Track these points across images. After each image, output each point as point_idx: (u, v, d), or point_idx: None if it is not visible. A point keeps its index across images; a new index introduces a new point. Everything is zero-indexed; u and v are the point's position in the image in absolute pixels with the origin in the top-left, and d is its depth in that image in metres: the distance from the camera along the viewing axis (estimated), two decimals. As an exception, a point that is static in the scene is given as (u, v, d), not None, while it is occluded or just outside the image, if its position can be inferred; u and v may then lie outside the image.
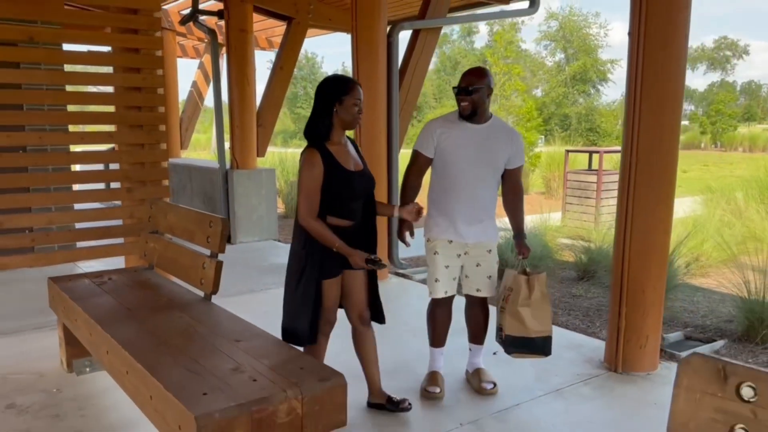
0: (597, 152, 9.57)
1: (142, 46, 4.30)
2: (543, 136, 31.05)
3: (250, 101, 7.53)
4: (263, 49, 10.93)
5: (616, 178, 9.09)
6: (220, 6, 7.52)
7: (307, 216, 2.67)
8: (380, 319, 3.03)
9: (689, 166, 21.57)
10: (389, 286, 5.40)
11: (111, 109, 4.35)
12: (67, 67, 4.87)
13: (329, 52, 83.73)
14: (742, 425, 1.20)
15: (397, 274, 5.84)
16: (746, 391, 1.20)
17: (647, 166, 3.48)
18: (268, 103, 7.94)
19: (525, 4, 6.56)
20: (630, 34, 3.51)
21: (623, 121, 3.65)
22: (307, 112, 45.42)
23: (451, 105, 15.88)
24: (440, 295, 3.23)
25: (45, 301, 4.71)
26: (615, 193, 9.02)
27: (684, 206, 9.07)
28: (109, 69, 4.41)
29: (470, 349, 3.45)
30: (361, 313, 2.94)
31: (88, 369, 3.56)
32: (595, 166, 9.83)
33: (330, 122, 2.71)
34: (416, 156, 3.22)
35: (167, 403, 2.08)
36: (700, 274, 6.02)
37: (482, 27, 45.44)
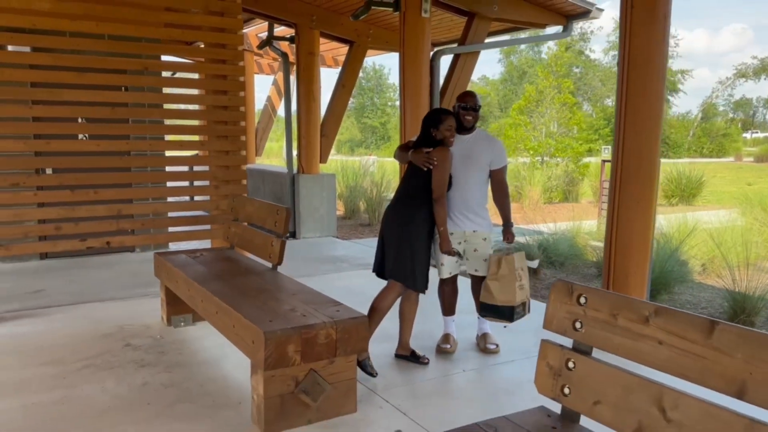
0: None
1: (229, 74, 5.40)
2: (610, 146, 30.97)
3: (316, 114, 8.61)
4: (329, 66, 12.06)
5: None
6: (292, 32, 8.66)
7: (442, 197, 3.72)
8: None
9: (758, 179, 21.19)
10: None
11: (202, 122, 5.47)
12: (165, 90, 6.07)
13: (395, 64, 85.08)
14: (579, 319, 2.01)
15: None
16: (582, 300, 2.01)
17: (630, 170, 4.22)
18: (331, 116, 8.99)
19: (560, 29, 7.29)
20: (618, 63, 4.27)
21: (614, 132, 4.39)
22: (373, 122, 46.92)
23: (515, 114, 16.59)
24: (445, 275, 4.07)
25: (146, 276, 5.91)
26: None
27: (725, 216, 9.43)
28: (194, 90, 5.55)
29: (478, 318, 4.27)
30: None
31: (182, 323, 4.63)
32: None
33: (430, 140, 3.78)
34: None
35: (245, 328, 3.05)
36: (716, 274, 6.54)
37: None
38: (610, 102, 40.32)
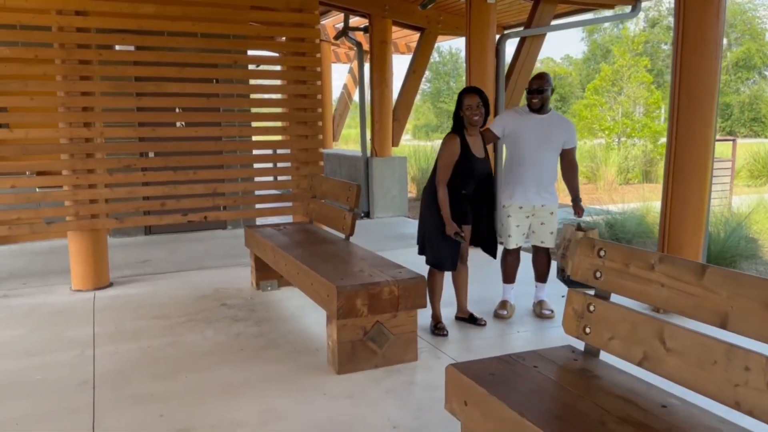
0: None
1: (307, 65, 5.92)
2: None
3: (388, 100, 9.05)
4: (402, 53, 12.45)
5: (726, 165, 9.39)
6: (366, 22, 9.12)
7: (442, 181, 3.94)
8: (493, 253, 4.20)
9: None
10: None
11: (283, 110, 6.04)
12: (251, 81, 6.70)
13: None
14: (599, 270, 2.34)
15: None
16: (602, 253, 2.34)
17: (685, 147, 4.38)
18: (402, 102, 9.41)
19: (628, 9, 7.33)
20: (673, 43, 4.42)
21: (668, 109, 4.55)
22: (449, 106, 46.87)
23: (590, 94, 16.34)
24: (512, 246, 4.41)
25: (236, 249, 6.60)
26: (723, 180, 9.34)
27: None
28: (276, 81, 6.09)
29: (536, 286, 4.59)
30: (462, 255, 4.20)
31: (269, 288, 5.23)
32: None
33: (461, 121, 3.97)
34: (485, 131, 4.31)
35: (321, 284, 3.56)
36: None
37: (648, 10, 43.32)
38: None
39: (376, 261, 3.95)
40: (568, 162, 4.40)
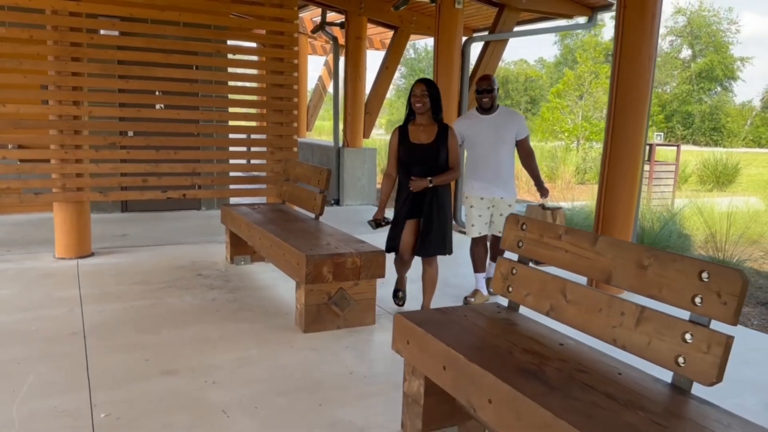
0: (650, 145, 10.70)
1: (285, 57, 6.35)
2: (662, 133, 30.73)
3: (361, 93, 9.51)
4: (377, 49, 12.92)
5: (670, 168, 10.14)
6: (342, 17, 9.55)
7: (386, 171, 4.29)
8: (439, 253, 4.21)
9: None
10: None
11: (260, 97, 6.46)
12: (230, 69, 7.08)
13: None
14: (521, 240, 2.87)
15: (459, 231, 7.55)
16: (524, 227, 2.86)
17: (618, 148, 4.95)
18: (375, 95, 9.88)
19: (584, 20, 7.93)
20: (612, 54, 5.00)
21: (606, 115, 5.12)
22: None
23: (553, 98, 17.06)
24: (475, 235, 4.76)
25: (211, 228, 7.01)
26: (667, 182, 10.09)
27: (755, 203, 9.88)
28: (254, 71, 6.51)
29: (488, 265, 5.04)
30: (402, 253, 4.25)
31: (242, 262, 5.66)
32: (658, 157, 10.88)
33: (410, 109, 4.14)
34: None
35: (291, 254, 4.02)
36: (715, 248, 7.16)
37: (608, 20, 44.63)
38: (669, 89, 39.71)
39: (341, 237, 4.43)
40: (524, 150, 4.74)
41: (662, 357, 2.13)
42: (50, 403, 2.91)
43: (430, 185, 4.06)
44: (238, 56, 7.74)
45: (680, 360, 2.07)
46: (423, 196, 4.13)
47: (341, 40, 10.41)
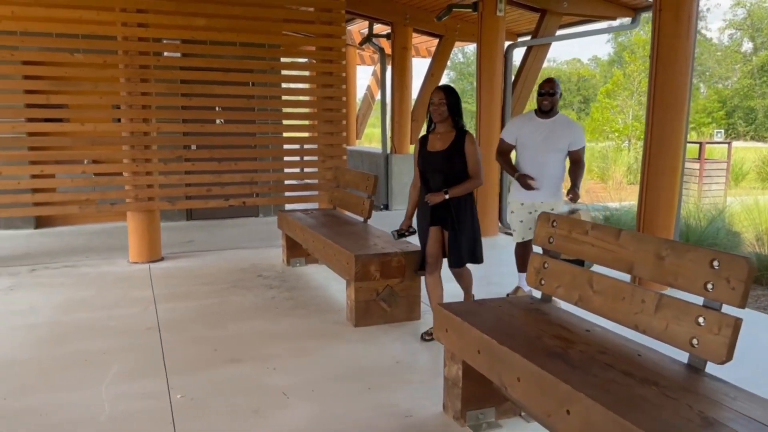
0: (700, 144, 10.51)
1: (333, 70, 6.73)
2: (722, 130, 29.67)
3: (407, 101, 9.83)
4: (423, 57, 13.20)
5: (721, 166, 9.97)
6: (388, 29, 9.90)
7: (412, 183, 4.22)
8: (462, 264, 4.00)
9: None
10: (498, 240, 7.34)
11: (311, 109, 6.85)
12: (284, 84, 7.52)
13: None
14: (552, 236, 3.08)
15: (506, 233, 7.73)
16: (554, 224, 3.08)
17: (659, 148, 5.06)
18: (421, 103, 10.17)
19: (628, 20, 7.99)
20: (650, 56, 5.12)
21: (645, 115, 5.23)
22: (472, 106, 47.48)
23: (602, 97, 16.86)
24: (518, 240, 4.87)
25: (268, 234, 7.43)
26: (718, 180, 9.92)
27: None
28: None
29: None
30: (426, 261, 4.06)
31: (298, 264, 6.04)
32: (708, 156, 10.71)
33: (430, 118, 3.99)
34: (500, 141, 4.87)
35: (341, 254, 4.34)
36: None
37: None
38: (730, 83, 38.24)
39: (387, 238, 4.73)
40: (575, 162, 4.60)
41: (678, 339, 2.32)
42: (133, 386, 3.32)
43: (446, 197, 3.85)
44: (290, 72, 8.20)
45: (694, 341, 2.26)
46: (443, 209, 3.92)
47: (388, 51, 10.76)
